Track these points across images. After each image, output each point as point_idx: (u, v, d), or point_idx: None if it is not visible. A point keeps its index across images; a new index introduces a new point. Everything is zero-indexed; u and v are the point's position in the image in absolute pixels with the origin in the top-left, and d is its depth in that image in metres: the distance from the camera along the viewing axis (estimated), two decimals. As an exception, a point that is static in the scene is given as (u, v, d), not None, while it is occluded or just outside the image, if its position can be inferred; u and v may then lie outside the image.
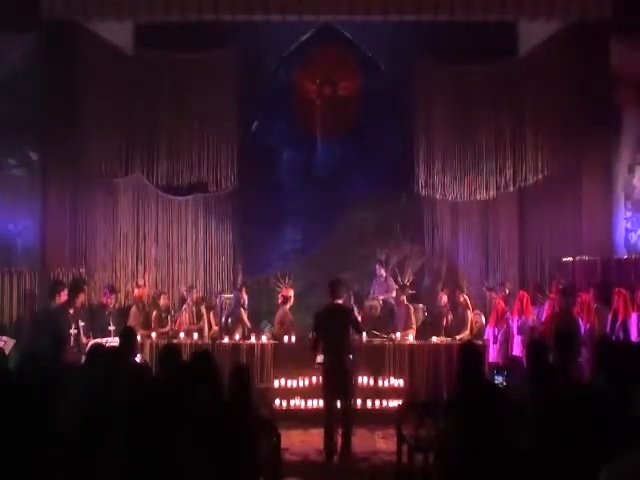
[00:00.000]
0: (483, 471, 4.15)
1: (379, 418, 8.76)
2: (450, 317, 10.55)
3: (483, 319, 10.35)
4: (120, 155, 10.91)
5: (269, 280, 11.71)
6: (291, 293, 10.55)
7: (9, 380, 4.24)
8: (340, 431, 7.53)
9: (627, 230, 10.19)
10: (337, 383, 7.59)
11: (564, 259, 10.05)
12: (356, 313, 8.94)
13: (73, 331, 8.56)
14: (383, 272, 11.54)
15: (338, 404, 7.66)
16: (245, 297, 10.74)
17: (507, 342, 9.31)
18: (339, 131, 12.36)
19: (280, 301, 10.57)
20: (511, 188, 11.22)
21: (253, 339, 9.95)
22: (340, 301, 7.86)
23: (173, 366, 4.73)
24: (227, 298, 11.28)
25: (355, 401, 7.97)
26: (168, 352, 5.34)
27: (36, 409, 3.73)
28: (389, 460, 7.14)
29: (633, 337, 8.18)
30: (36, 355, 5.35)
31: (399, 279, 11.39)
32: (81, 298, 8.96)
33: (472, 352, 5.19)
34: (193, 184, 11.55)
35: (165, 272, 11.84)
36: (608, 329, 8.44)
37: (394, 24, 10.56)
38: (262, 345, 9.78)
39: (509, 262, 11.73)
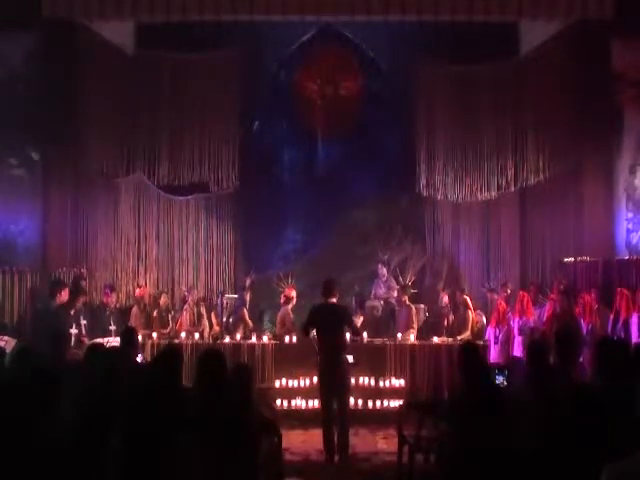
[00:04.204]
0: (484, 471, 4.15)
1: (380, 418, 8.76)
2: (451, 317, 10.54)
3: (484, 319, 10.35)
4: (121, 155, 10.92)
5: (270, 280, 11.71)
6: (294, 294, 10.54)
7: (7, 379, 4.23)
8: (337, 431, 7.51)
9: (628, 231, 10.18)
10: (332, 382, 7.57)
11: (565, 260, 10.05)
12: (353, 316, 8.82)
13: (74, 330, 8.57)
14: (385, 272, 11.54)
15: (334, 404, 7.64)
16: (248, 299, 10.75)
17: (508, 342, 9.29)
18: (340, 131, 12.37)
19: (282, 301, 10.57)
20: (512, 188, 11.22)
21: (254, 339, 9.95)
22: (334, 300, 7.82)
23: (178, 367, 4.70)
24: (230, 298, 11.29)
25: (349, 401, 7.93)
26: (170, 353, 5.31)
27: (34, 408, 3.73)
28: (390, 460, 7.12)
29: (634, 337, 8.18)
30: (29, 353, 5.35)
31: (400, 279, 11.38)
32: (81, 300, 8.97)
33: (472, 351, 5.18)
34: (194, 184, 11.55)
35: (166, 272, 11.85)
36: (609, 329, 8.44)
37: (395, 24, 10.57)
38: (263, 345, 9.77)
39: (510, 262, 11.72)
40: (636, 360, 5.07)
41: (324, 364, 7.63)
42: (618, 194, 10.20)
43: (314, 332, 7.86)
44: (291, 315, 10.40)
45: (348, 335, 8.13)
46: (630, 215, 10.20)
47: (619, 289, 8.64)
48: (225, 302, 11.12)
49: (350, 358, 7.84)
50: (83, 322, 8.80)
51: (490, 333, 9.55)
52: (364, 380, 9.33)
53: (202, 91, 11.11)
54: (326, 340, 7.65)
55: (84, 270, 10.05)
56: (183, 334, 10.07)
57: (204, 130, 11.25)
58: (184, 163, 11.26)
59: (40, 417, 3.71)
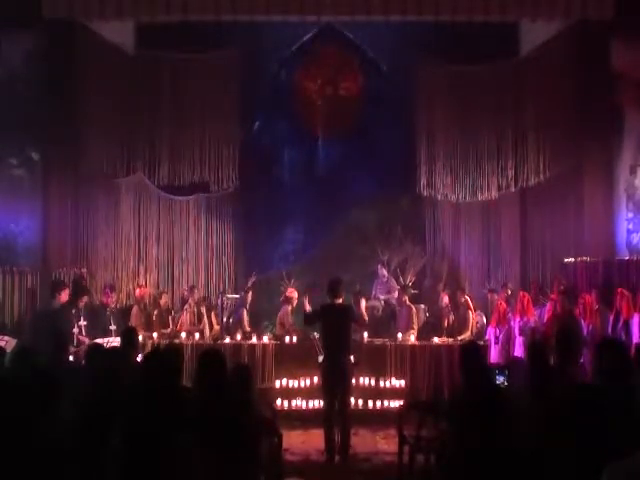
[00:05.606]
0: (484, 472, 4.15)
1: (380, 419, 8.76)
2: (451, 318, 10.53)
3: (484, 320, 10.35)
4: (121, 155, 10.94)
5: (270, 280, 11.71)
6: (295, 295, 10.53)
7: (7, 379, 4.23)
8: (338, 431, 7.51)
9: (629, 231, 10.18)
10: (335, 383, 7.59)
11: (566, 260, 10.04)
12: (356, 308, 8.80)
13: (76, 330, 8.57)
14: (385, 272, 11.53)
15: (336, 404, 7.65)
16: (249, 299, 10.73)
17: (508, 343, 9.30)
18: (340, 131, 12.37)
19: (282, 300, 10.57)
20: (513, 189, 11.23)
21: (254, 339, 9.94)
22: (340, 300, 7.84)
23: (179, 367, 4.70)
24: (230, 298, 11.27)
25: (350, 401, 7.94)
26: (170, 352, 5.30)
27: (34, 408, 3.73)
28: (390, 460, 7.13)
29: (635, 338, 8.17)
30: (29, 353, 5.35)
31: (401, 280, 11.38)
32: (84, 300, 8.97)
33: (472, 351, 5.18)
34: (194, 184, 11.56)
35: (166, 272, 11.84)
36: (610, 330, 8.43)
37: (396, 24, 10.57)
38: (263, 345, 9.76)
39: (511, 263, 11.72)
40: (636, 360, 5.08)
41: (328, 364, 7.64)
42: (618, 194, 10.20)
43: (317, 333, 7.88)
44: (290, 316, 10.40)
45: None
46: (630, 215, 10.20)
47: (619, 289, 8.63)
48: (225, 302, 11.11)
49: (351, 358, 7.85)
50: (83, 322, 8.79)
51: (490, 333, 9.56)
52: (364, 380, 9.32)
53: (202, 91, 11.12)
54: (330, 341, 7.67)
55: (84, 270, 10.05)
56: (183, 334, 10.06)
57: (204, 130, 11.26)
58: (184, 163, 11.28)
59: (40, 417, 3.71)
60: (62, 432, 3.77)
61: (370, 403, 9.29)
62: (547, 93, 10.52)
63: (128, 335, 6.34)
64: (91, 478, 3.81)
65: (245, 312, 10.57)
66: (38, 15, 9.67)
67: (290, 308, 10.46)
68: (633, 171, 10.25)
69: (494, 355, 9.34)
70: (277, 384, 9.44)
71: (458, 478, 4.41)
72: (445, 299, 10.75)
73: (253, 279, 11.18)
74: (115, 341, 8.03)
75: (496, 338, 9.42)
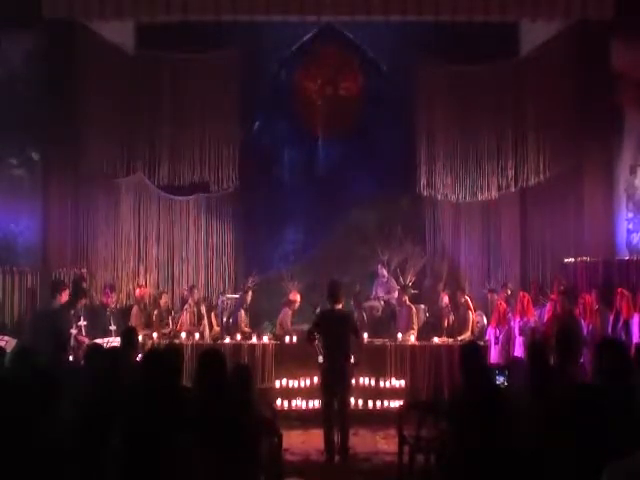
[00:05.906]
0: (484, 472, 4.15)
1: (380, 419, 8.76)
2: (451, 318, 10.53)
3: (485, 320, 10.34)
4: (121, 155, 10.94)
5: (270, 280, 11.70)
6: (298, 297, 10.53)
7: (7, 379, 4.23)
8: (338, 431, 7.52)
9: (629, 231, 10.17)
10: (335, 383, 7.61)
11: (566, 260, 10.03)
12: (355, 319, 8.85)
13: (74, 330, 8.57)
14: (385, 273, 11.53)
15: (335, 404, 7.65)
16: (249, 300, 10.72)
17: (508, 343, 9.30)
18: (340, 131, 12.37)
19: (284, 301, 10.56)
20: (513, 189, 11.23)
21: (254, 339, 9.94)
22: (340, 306, 7.86)
23: (179, 367, 4.70)
24: (230, 298, 11.27)
25: (350, 401, 7.95)
26: (172, 352, 5.30)
27: (34, 408, 3.73)
28: (390, 460, 7.13)
29: (635, 338, 8.17)
30: (29, 353, 5.36)
31: (401, 280, 11.37)
32: (83, 302, 8.97)
33: (472, 351, 5.18)
34: (194, 184, 11.56)
35: (166, 272, 11.84)
36: (610, 330, 8.43)
37: (396, 24, 10.57)
38: (263, 345, 9.76)
39: (511, 263, 11.71)
40: (636, 360, 5.08)
41: (327, 365, 7.65)
42: (618, 194, 10.20)
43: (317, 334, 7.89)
44: (290, 319, 10.40)
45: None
46: (630, 215, 10.19)
47: (619, 289, 8.63)
48: (225, 302, 11.11)
49: (351, 358, 7.85)
50: (83, 322, 8.79)
51: (490, 333, 9.56)
52: (364, 380, 9.32)
53: (202, 91, 11.13)
54: (330, 342, 7.69)
55: (84, 270, 10.05)
56: (183, 334, 10.06)
57: (204, 130, 11.26)
58: (184, 163, 11.28)
59: (40, 417, 3.71)
60: (62, 432, 3.77)
61: (370, 403, 9.29)
62: (547, 93, 10.51)
63: (128, 335, 6.35)
64: (91, 478, 3.82)
65: (243, 312, 10.56)
66: (38, 15, 9.66)
67: (291, 312, 10.46)
68: (633, 171, 10.25)
69: (494, 355, 9.34)
70: (277, 384, 9.44)
71: (458, 478, 4.42)
72: (445, 299, 10.75)
73: (253, 279, 11.17)
74: (115, 341, 8.04)
75: (496, 338, 9.42)
